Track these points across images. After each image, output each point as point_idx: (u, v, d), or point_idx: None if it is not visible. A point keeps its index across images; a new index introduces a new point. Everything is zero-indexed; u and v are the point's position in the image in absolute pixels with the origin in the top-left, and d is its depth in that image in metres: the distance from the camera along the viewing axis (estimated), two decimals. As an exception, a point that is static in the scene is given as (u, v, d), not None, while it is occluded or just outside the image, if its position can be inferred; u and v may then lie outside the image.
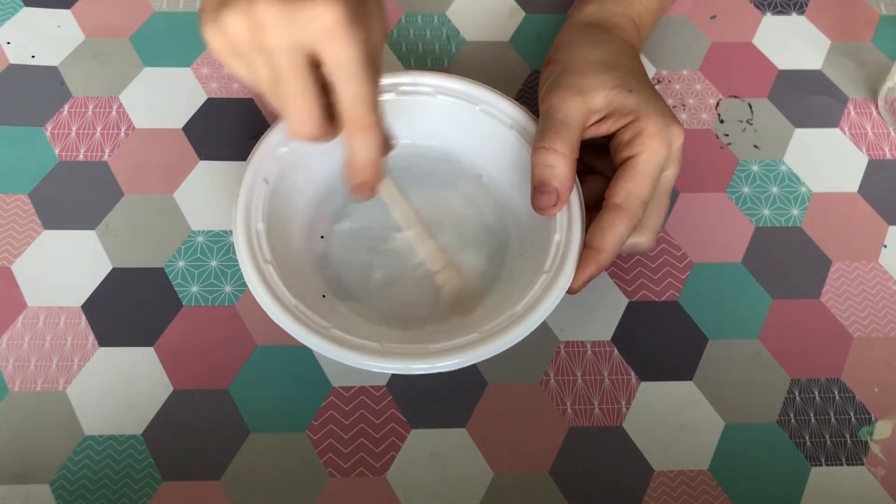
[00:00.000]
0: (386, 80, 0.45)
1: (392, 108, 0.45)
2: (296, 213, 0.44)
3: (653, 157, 0.39)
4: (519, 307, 0.38)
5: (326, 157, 0.45)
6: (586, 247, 0.39)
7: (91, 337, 0.42)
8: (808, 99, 0.52)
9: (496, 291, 0.42)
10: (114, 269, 0.44)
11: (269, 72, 0.32)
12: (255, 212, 0.41)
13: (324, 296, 0.42)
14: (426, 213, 0.45)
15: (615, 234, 0.39)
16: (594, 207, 0.40)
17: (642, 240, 0.41)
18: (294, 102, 0.33)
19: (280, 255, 0.41)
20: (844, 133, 0.50)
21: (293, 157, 0.43)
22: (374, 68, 0.33)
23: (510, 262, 0.43)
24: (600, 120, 0.41)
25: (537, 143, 0.40)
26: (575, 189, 0.41)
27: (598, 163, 0.43)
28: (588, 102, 0.40)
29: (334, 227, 0.45)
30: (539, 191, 0.40)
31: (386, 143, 0.36)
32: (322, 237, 0.44)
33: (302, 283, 0.41)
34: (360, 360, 0.37)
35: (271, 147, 0.43)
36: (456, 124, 0.46)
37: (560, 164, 0.39)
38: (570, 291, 0.39)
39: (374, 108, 0.34)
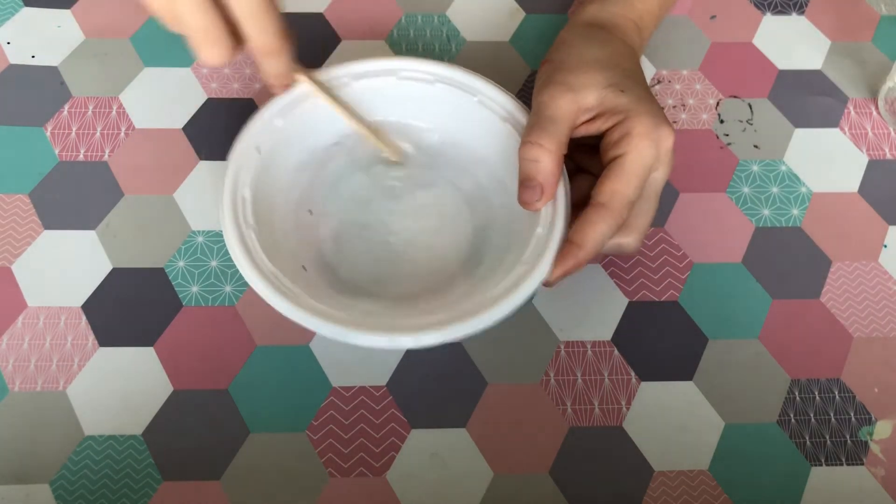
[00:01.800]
0: (387, 65, 0.45)
1: (390, 93, 0.46)
2: (285, 186, 0.44)
3: (640, 157, 0.39)
4: (491, 293, 0.39)
5: (321, 132, 0.45)
6: (567, 242, 0.39)
7: (91, 337, 0.42)
8: (808, 99, 0.52)
9: (476, 278, 0.42)
10: (114, 269, 0.44)
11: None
12: (243, 178, 0.41)
13: (304, 268, 0.42)
14: (417, 197, 0.46)
15: (596, 231, 0.38)
16: (583, 206, 0.40)
17: (628, 240, 0.41)
18: (196, 31, 0.36)
19: (264, 224, 0.41)
20: (844, 133, 0.50)
21: (288, 131, 0.44)
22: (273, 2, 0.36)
23: (493, 252, 0.43)
24: (592, 119, 0.41)
25: (524, 137, 0.40)
26: (562, 186, 0.41)
27: (589, 162, 0.43)
28: (578, 100, 0.40)
29: (324, 202, 0.45)
30: (524, 185, 0.40)
31: (291, 55, 0.40)
32: (310, 212, 0.44)
33: (284, 253, 0.41)
34: (331, 329, 0.37)
35: (267, 118, 0.43)
36: (452, 113, 0.46)
37: (545, 160, 0.39)
38: (546, 284, 0.39)
39: (278, 35, 0.38)
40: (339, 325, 0.37)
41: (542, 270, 0.39)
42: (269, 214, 0.42)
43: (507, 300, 0.38)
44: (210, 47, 0.37)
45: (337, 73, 0.45)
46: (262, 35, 0.37)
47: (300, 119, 0.44)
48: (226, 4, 0.36)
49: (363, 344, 0.37)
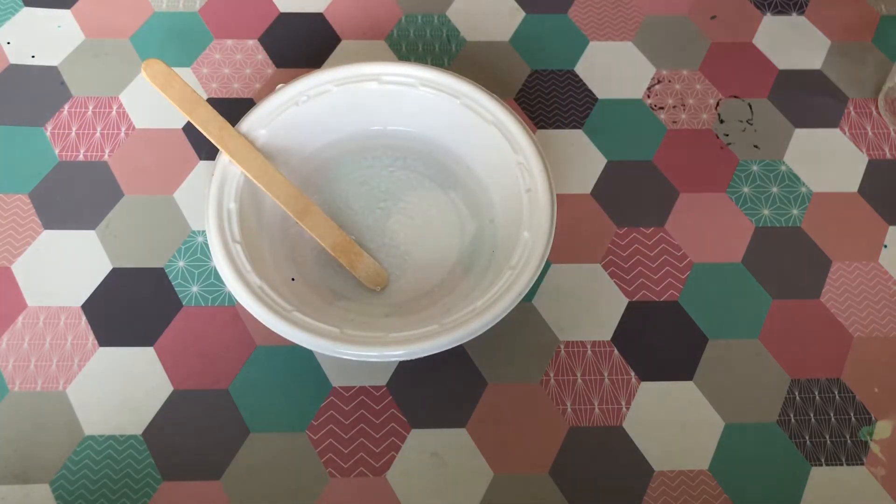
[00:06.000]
0: (370, 69, 0.45)
1: (374, 97, 0.46)
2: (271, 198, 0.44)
3: None
4: (480, 303, 0.39)
5: (305, 143, 0.45)
6: None
7: (91, 337, 0.42)
8: (808, 99, 0.52)
9: (465, 285, 0.42)
10: (114, 269, 0.44)
11: None
12: (228, 191, 0.41)
13: (293, 279, 0.42)
14: (403, 204, 0.45)
15: None
16: None
17: None
18: None
19: (251, 236, 0.41)
20: (844, 133, 0.50)
21: (272, 142, 0.44)
22: None
23: (482, 256, 0.43)
24: None
25: None
26: (548, 187, 0.41)
27: None
28: None
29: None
30: None
31: None
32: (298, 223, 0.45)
33: (271, 265, 0.41)
34: (318, 343, 0.37)
35: (250, 129, 0.43)
36: (436, 116, 0.46)
37: None
38: None
39: None
40: (328, 340, 0.37)
41: (530, 276, 0.39)
42: (257, 226, 0.42)
43: (495, 308, 0.38)
44: None
45: (318, 80, 0.45)
46: None
47: (283, 128, 0.44)
48: None
49: (353, 357, 0.38)
